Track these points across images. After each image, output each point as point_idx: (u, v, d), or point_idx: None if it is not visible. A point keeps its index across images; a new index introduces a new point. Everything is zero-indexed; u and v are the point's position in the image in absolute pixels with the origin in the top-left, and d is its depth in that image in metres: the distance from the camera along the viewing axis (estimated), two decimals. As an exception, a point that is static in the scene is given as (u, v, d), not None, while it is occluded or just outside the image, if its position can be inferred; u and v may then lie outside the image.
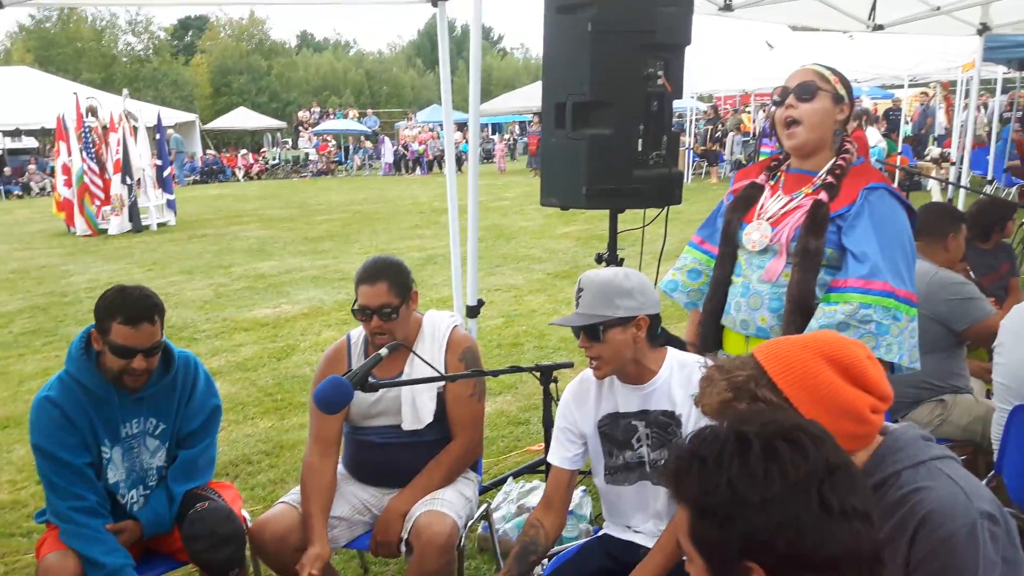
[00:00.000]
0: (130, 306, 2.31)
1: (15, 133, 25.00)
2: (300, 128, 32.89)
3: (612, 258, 3.35)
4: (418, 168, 28.07)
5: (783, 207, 2.39)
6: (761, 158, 14.01)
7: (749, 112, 22.12)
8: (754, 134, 20.42)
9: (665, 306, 2.24)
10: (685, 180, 17.91)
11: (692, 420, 2.11)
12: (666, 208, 3.17)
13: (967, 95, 10.91)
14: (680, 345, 2.30)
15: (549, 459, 2.30)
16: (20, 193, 24.15)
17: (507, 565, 2.13)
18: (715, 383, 1.48)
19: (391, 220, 14.50)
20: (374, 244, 11.72)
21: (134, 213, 13.96)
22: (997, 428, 2.75)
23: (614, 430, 2.23)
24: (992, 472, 2.78)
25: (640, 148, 2.98)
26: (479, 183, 3.77)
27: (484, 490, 3.36)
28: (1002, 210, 4.29)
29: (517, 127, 34.93)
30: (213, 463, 2.64)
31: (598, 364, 2.13)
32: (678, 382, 2.16)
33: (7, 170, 24.86)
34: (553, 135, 3.12)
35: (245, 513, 2.59)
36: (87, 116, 13.67)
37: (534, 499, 3.35)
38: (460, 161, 19.21)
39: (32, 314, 7.99)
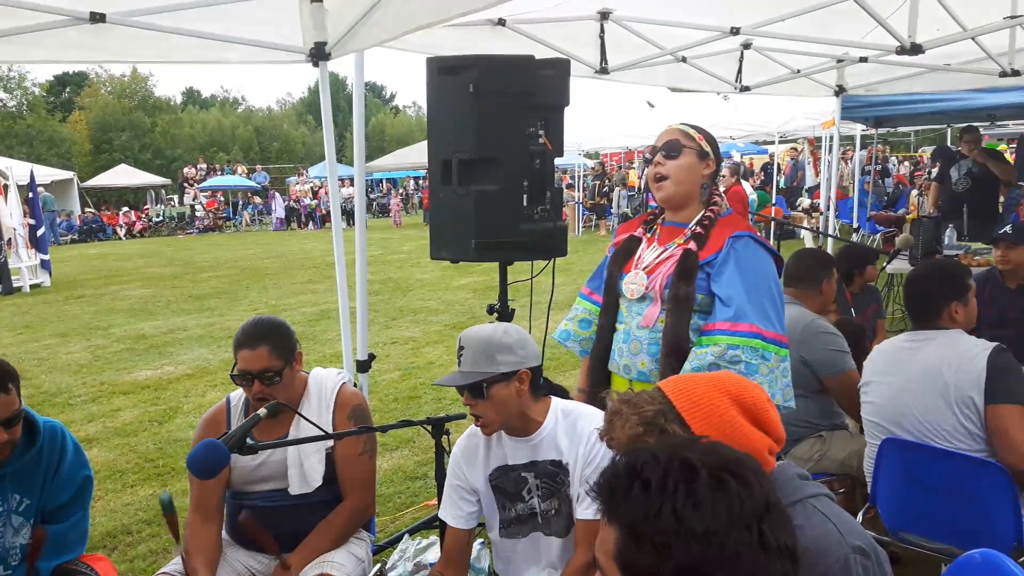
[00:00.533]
0: None
1: None
2: (186, 184, 31.91)
3: (504, 309, 3.40)
4: (311, 223, 27.68)
5: (657, 257, 2.51)
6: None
7: (635, 168, 23.00)
8: (639, 188, 21.25)
9: (559, 354, 2.29)
10: (575, 233, 18.35)
11: (579, 468, 2.15)
12: (552, 260, 3.26)
13: (830, 150, 11.74)
14: (562, 393, 2.35)
15: (443, 517, 2.29)
16: None
17: None
18: (624, 417, 1.50)
19: (282, 275, 14.19)
20: (264, 300, 11.42)
21: (4, 274, 13.13)
22: (869, 462, 2.93)
23: (505, 483, 2.25)
24: (868, 503, 2.94)
25: (525, 203, 3.07)
26: (373, 236, 3.77)
27: (379, 549, 3.28)
28: (862, 255, 4.62)
29: (412, 182, 35.08)
30: (86, 536, 2.48)
31: (484, 422, 2.16)
32: (563, 431, 2.20)
33: None
34: (441, 191, 3.18)
35: (120, 588, 2.44)
36: (-49, 173, 12.88)
37: (431, 555, 3.29)
38: (351, 216, 19.07)
39: None
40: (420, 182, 34.15)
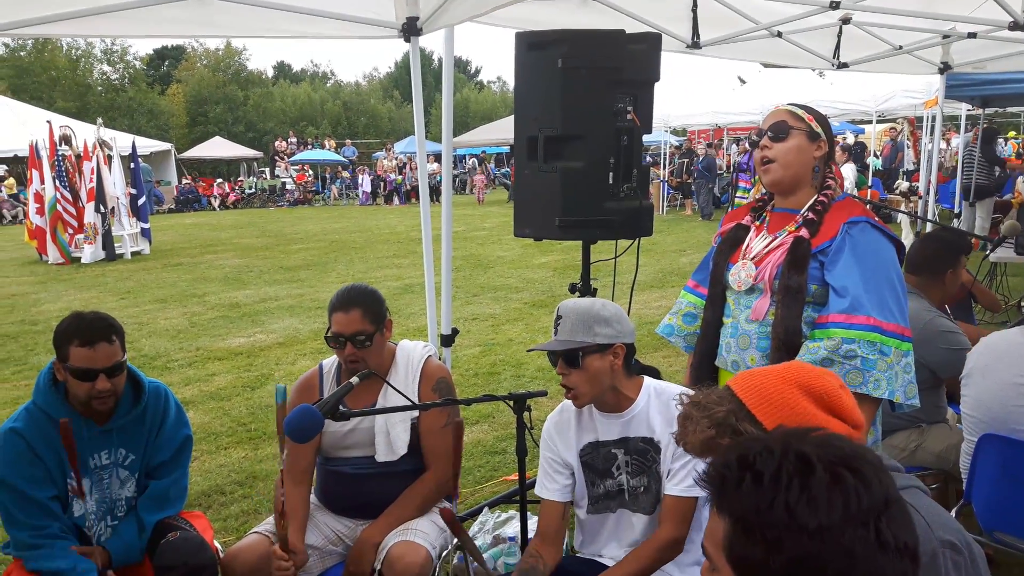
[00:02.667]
0: (85, 328, 2.31)
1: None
2: (277, 157, 32.87)
3: (586, 288, 3.40)
4: (395, 198, 28.13)
5: (767, 246, 2.41)
6: (740, 192, 14.24)
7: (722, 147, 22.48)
8: (729, 168, 20.75)
9: (640, 335, 2.28)
10: (659, 212, 18.06)
11: (671, 447, 2.14)
12: (637, 239, 3.23)
13: (932, 131, 11.19)
14: (655, 375, 2.34)
15: (539, 493, 2.31)
16: (-9, 221, 23.86)
17: None
18: (695, 421, 1.49)
19: (368, 249, 14.50)
20: (351, 273, 11.71)
21: (108, 242, 13.85)
22: (966, 458, 2.81)
23: (595, 459, 2.26)
24: (962, 501, 2.83)
25: (611, 181, 3.04)
26: (456, 213, 3.82)
27: (460, 520, 3.35)
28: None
29: (493, 159, 35.20)
30: (185, 493, 2.62)
31: (575, 393, 2.16)
32: (656, 409, 2.19)
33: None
34: (526, 167, 3.18)
35: (217, 543, 2.57)
36: (60, 144, 13.61)
37: (510, 529, 3.35)
38: (436, 192, 19.29)
39: (2, 342, 7.88)
40: (505, 159, 34.25)
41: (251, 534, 2.55)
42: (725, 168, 20.55)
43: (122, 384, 2.40)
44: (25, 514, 2.30)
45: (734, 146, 22.18)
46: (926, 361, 3.07)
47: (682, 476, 2.11)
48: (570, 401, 2.25)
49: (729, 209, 2.86)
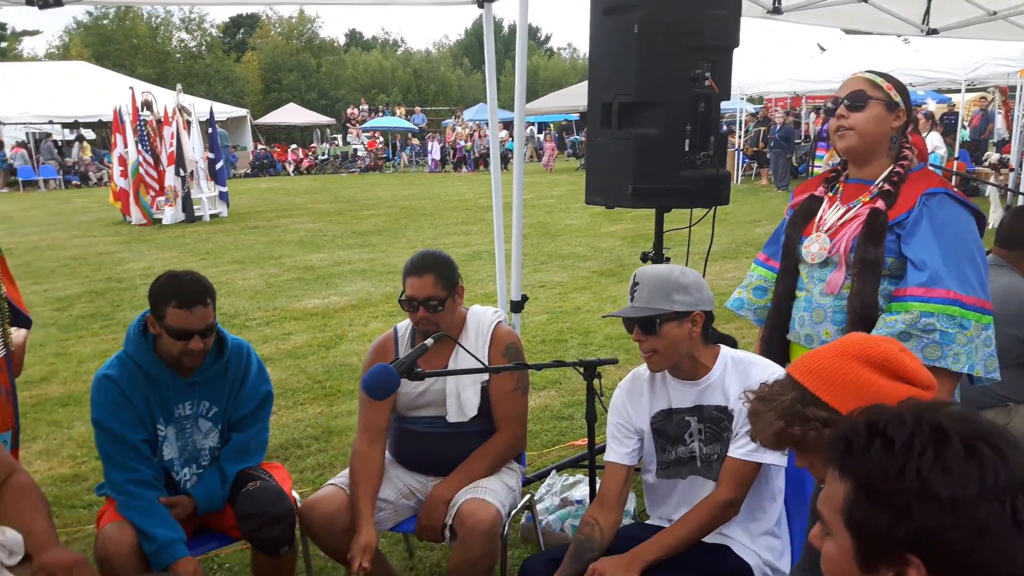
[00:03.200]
0: (183, 291, 2.41)
1: (73, 125, 25.81)
2: (349, 124, 33.32)
3: (658, 258, 3.38)
4: (464, 166, 28.25)
5: (841, 217, 2.36)
6: (816, 162, 13.79)
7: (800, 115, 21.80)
8: (807, 137, 20.14)
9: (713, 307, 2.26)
10: (734, 181, 17.70)
11: (743, 413, 2.13)
12: (713, 208, 3.19)
13: (1025, 100, 10.63)
14: (732, 344, 2.32)
15: (606, 457, 2.33)
16: (78, 183, 24.93)
17: (563, 564, 2.15)
18: (762, 416, 1.47)
19: (437, 216, 14.64)
20: (420, 239, 11.86)
21: (187, 204, 14.33)
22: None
23: (667, 426, 2.27)
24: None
25: (687, 148, 3.00)
26: (525, 181, 3.82)
27: (527, 482, 3.41)
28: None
29: (560, 127, 34.94)
30: (265, 446, 2.73)
31: (652, 358, 2.16)
32: (733, 377, 2.18)
33: (68, 160, 25.67)
34: (599, 134, 3.16)
35: (295, 493, 2.68)
36: (142, 110, 14.08)
37: (577, 492, 3.40)
38: (506, 159, 19.30)
39: (90, 299, 8.28)
40: (574, 127, 33.95)
41: (327, 486, 2.65)
42: (803, 137, 19.95)
43: (211, 343, 2.51)
44: (120, 455, 2.43)
45: (812, 115, 21.50)
46: (1023, 336, 2.97)
47: (746, 441, 2.10)
48: (643, 368, 2.26)
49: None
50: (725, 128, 21.50)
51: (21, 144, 24.78)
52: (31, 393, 5.22)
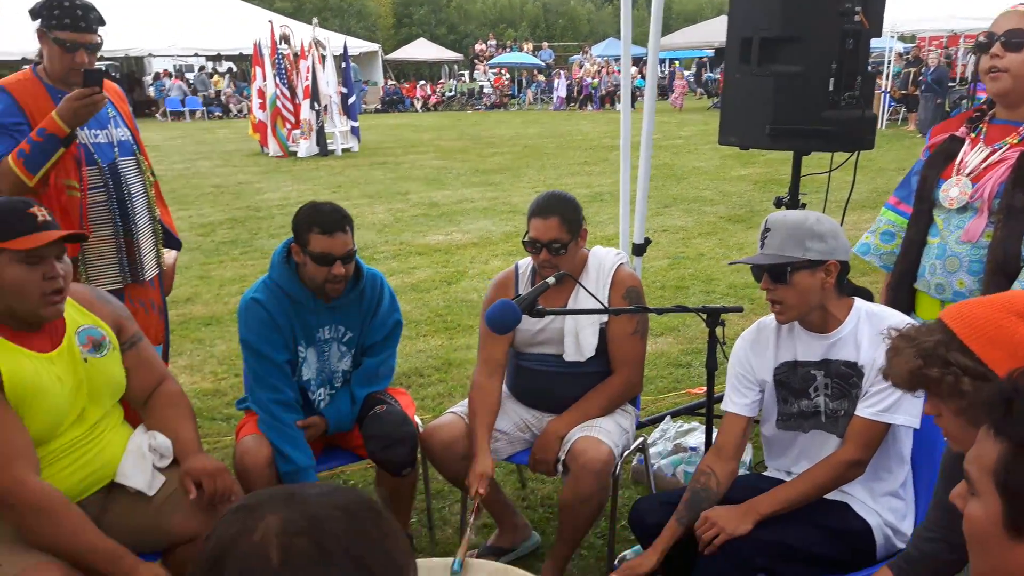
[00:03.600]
0: (325, 218, 2.51)
1: (216, 58, 27.06)
2: (476, 61, 33.34)
3: (793, 203, 3.23)
4: (590, 104, 27.81)
5: (985, 160, 2.20)
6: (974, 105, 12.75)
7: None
8: (962, 79, 18.59)
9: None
10: (879, 126, 16.74)
11: (875, 372, 2.04)
12: (856, 153, 3.01)
13: None
14: (867, 297, 2.21)
15: (724, 407, 2.29)
16: (220, 114, 26.27)
17: (677, 512, 2.15)
18: (902, 352, 1.43)
19: (560, 155, 14.55)
20: (542, 179, 11.84)
21: (321, 138, 14.83)
22: None
23: (791, 378, 2.20)
24: None
25: (831, 88, 2.83)
26: (656, 120, 3.72)
27: (641, 426, 3.41)
28: None
29: (694, 64, 33.68)
30: (392, 372, 2.84)
31: (781, 308, 2.08)
32: (866, 333, 2.08)
33: (210, 92, 27.04)
34: (737, 71, 3.02)
35: (417, 419, 2.79)
36: (280, 43, 14.55)
37: (691, 440, 3.37)
38: (634, 97, 18.83)
39: (231, 226, 8.77)
40: (708, 64, 32.66)
41: (447, 414, 2.75)
42: (956, 80, 18.42)
43: (352, 270, 2.61)
44: (266, 374, 2.58)
45: (971, 56, 19.76)
46: None
47: (877, 400, 2.01)
48: (769, 318, 2.18)
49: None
50: (872, 68, 20.16)
51: (170, 75, 26.27)
52: (177, 312, 5.62)
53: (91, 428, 2.10)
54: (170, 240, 3.09)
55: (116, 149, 2.77)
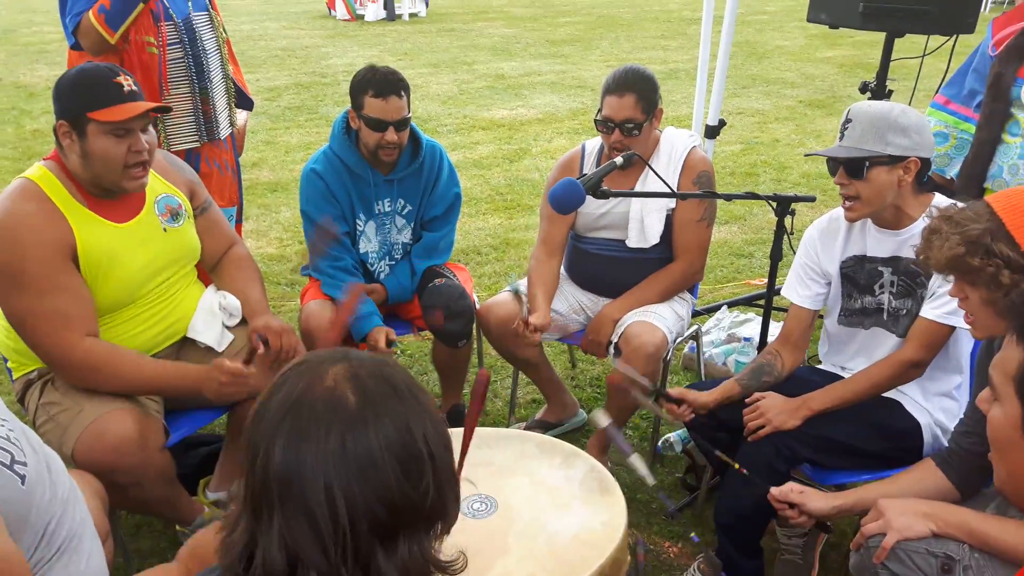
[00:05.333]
0: (380, 80, 2.47)
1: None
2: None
3: (880, 90, 3.04)
4: (670, -27, 26.29)
5: None
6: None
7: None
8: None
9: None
10: (982, 8, 15.46)
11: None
12: (954, 37, 2.79)
13: None
14: (949, 195, 2.10)
15: (788, 295, 2.25)
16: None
17: (739, 375, 2.18)
18: (944, 236, 1.39)
19: (635, 27, 13.90)
20: (615, 53, 11.37)
21: (389, 1, 14.43)
22: None
23: (858, 273, 2.13)
24: None
25: (936, -37, 2.60)
26: (740, -8, 3.48)
27: (696, 314, 3.39)
28: None
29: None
30: (451, 247, 2.86)
31: (853, 205, 2.00)
32: None
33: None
34: (834, -57, 2.79)
35: (474, 296, 2.82)
36: None
37: (746, 330, 3.35)
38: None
39: (296, 91, 8.74)
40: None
41: (504, 291, 2.76)
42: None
43: (406, 138, 2.58)
44: (324, 244, 2.63)
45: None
46: None
47: (943, 301, 1.94)
48: (841, 210, 2.10)
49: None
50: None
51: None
52: (244, 177, 5.64)
53: (167, 288, 2.18)
54: (242, 99, 3.08)
55: (190, 3, 2.74)
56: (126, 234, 2.05)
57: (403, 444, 0.90)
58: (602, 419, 1.96)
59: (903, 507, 1.57)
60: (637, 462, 1.82)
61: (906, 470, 1.84)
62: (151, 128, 2.01)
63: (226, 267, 2.36)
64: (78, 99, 1.90)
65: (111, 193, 2.02)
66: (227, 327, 2.29)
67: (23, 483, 1.27)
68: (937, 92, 2.57)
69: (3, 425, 1.31)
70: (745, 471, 1.95)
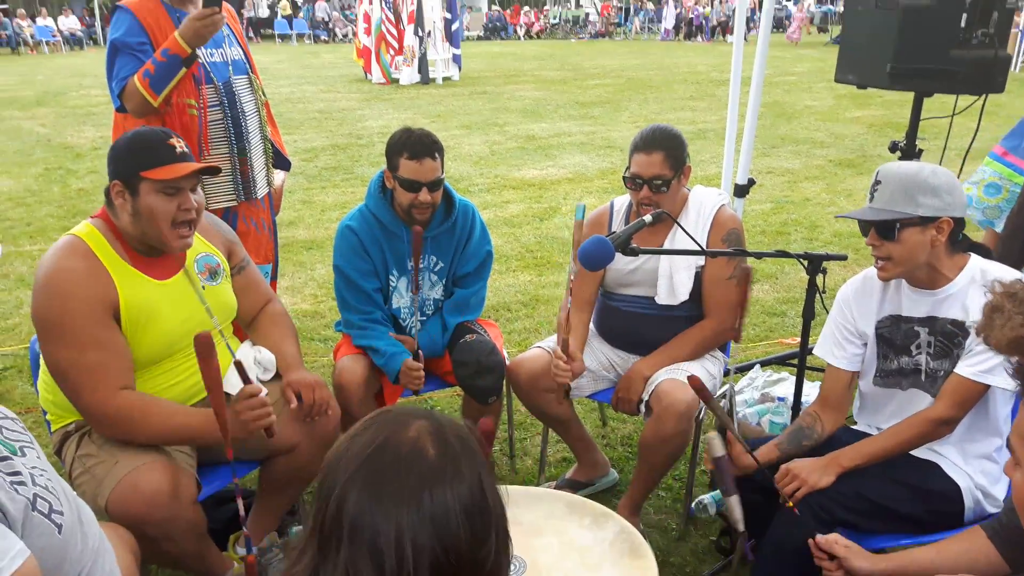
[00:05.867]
0: (415, 143, 2.53)
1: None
2: (583, -13, 32.40)
3: (909, 150, 3.05)
4: (700, 35, 26.74)
5: None
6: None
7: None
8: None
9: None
10: (1013, 68, 15.47)
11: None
12: (983, 97, 2.80)
13: None
14: (985, 254, 2.08)
15: (823, 356, 2.23)
16: (326, 39, 26.58)
17: (778, 439, 2.15)
18: (1007, 315, 1.33)
19: (664, 89, 14.12)
20: (643, 113, 11.54)
21: (423, 65, 14.85)
22: None
23: (894, 334, 2.11)
24: None
25: (963, 24, 2.62)
26: (769, 54, 3.54)
27: (728, 373, 3.36)
28: None
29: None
30: (483, 303, 2.87)
31: (885, 265, 1.99)
32: (977, 292, 1.97)
33: (317, 15, 27.33)
34: (860, 3, 2.84)
35: (504, 352, 2.82)
36: (388, -33, 14.50)
37: (780, 390, 3.30)
38: (748, 28, 17.98)
39: (333, 152, 8.96)
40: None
41: (534, 348, 2.77)
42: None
43: (439, 198, 2.63)
44: (355, 300, 2.67)
45: None
46: None
47: (980, 360, 1.91)
48: (874, 270, 2.09)
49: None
50: (1011, 2, 18.56)
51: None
52: (280, 235, 5.75)
53: None
54: (280, 160, 3.17)
55: (230, 67, 2.84)
56: (166, 291, 2.10)
57: (475, 503, 0.93)
58: (718, 447, 1.90)
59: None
60: (735, 504, 1.79)
61: (954, 537, 1.78)
62: (200, 189, 2.08)
63: (262, 323, 2.40)
64: (133, 160, 1.97)
65: (155, 251, 2.08)
66: (261, 381, 2.32)
67: (60, 532, 1.29)
68: (998, 143, 2.56)
69: (42, 475, 1.34)
70: (797, 510, 1.90)
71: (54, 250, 2.00)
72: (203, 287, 2.19)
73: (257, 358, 2.32)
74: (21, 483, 1.27)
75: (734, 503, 1.80)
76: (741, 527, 1.83)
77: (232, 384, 2.24)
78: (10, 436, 1.35)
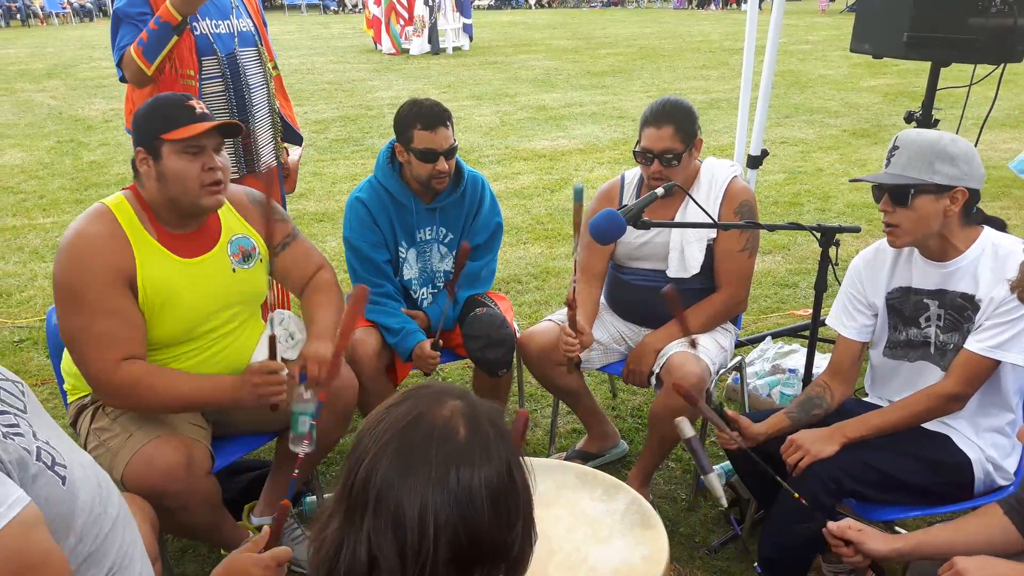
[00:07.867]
0: (426, 113, 2.52)
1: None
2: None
3: (926, 119, 3.01)
4: (712, 3, 26.36)
5: None
6: None
7: None
8: None
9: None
10: (1031, 34, 15.15)
11: (992, 307, 1.93)
12: (1001, 66, 2.75)
13: None
14: (1000, 227, 2.06)
15: (835, 326, 2.23)
16: (336, 8, 26.36)
17: (788, 408, 2.15)
18: None
19: (677, 58, 13.95)
20: (656, 83, 11.42)
21: (433, 35, 14.71)
22: None
23: (903, 305, 2.10)
24: None
25: (983, -8, 2.57)
26: (783, 22, 3.48)
27: (739, 344, 3.35)
28: None
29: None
30: (493, 276, 2.87)
31: (894, 231, 1.98)
32: (988, 265, 1.95)
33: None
34: (877, -29, 2.78)
35: (515, 324, 2.83)
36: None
37: (791, 361, 3.31)
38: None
39: (343, 123, 8.92)
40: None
41: (545, 321, 2.77)
42: None
43: (454, 165, 2.62)
44: (366, 271, 2.67)
45: None
46: None
47: (990, 335, 1.90)
48: (886, 241, 2.07)
49: None
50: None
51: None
52: (291, 208, 5.82)
53: (227, 329, 2.20)
54: (290, 134, 3.14)
55: (236, 39, 2.82)
56: (191, 270, 2.07)
57: (502, 488, 0.94)
58: (687, 429, 1.92)
59: (982, 569, 1.44)
60: (715, 482, 1.80)
61: (971, 515, 1.78)
62: (225, 151, 2.06)
63: (309, 291, 2.37)
64: (153, 124, 1.96)
65: (186, 225, 2.07)
66: (286, 360, 2.27)
67: (64, 483, 1.29)
68: None
69: (48, 443, 1.34)
70: (804, 501, 1.91)
71: (82, 215, 2.00)
72: (234, 270, 2.17)
73: (295, 335, 2.30)
74: (18, 434, 1.27)
75: (713, 480, 1.81)
76: (724, 503, 1.84)
77: (259, 354, 2.23)
78: (6, 399, 1.35)
